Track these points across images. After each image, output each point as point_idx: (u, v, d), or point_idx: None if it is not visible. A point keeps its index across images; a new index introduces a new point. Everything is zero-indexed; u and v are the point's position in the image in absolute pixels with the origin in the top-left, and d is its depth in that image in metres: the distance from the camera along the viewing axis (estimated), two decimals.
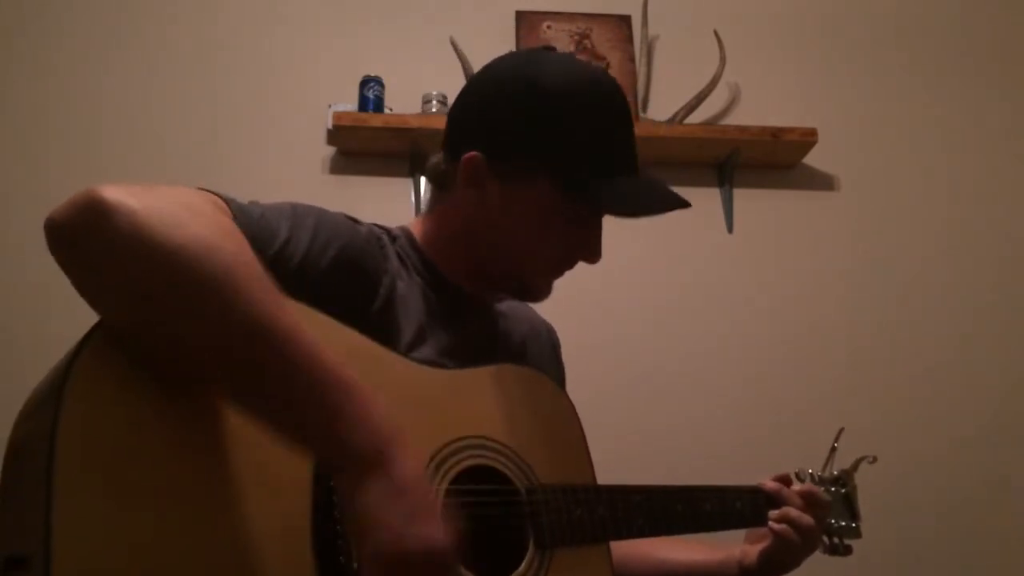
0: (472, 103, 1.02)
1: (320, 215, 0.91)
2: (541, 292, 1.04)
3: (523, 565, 0.90)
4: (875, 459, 1.28)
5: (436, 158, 1.05)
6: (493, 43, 2.10)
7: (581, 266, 1.03)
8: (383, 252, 0.97)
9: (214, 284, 0.67)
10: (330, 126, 1.96)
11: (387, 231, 1.03)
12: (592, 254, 1.02)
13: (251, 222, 0.81)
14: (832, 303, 2.02)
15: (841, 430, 1.28)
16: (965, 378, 1.98)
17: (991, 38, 2.24)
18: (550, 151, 0.95)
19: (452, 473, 0.87)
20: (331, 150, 2.02)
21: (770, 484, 1.17)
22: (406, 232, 1.05)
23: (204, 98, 2.03)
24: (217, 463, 0.71)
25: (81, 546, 0.62)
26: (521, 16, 2.13)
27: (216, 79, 2.05)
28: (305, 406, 0.70)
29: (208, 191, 0.79)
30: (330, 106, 1.98)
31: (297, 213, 0.89)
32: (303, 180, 1.99)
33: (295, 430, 0.72)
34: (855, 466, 1.28)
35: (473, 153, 0.97)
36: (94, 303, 0.69)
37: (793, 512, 1.13)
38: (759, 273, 2.03)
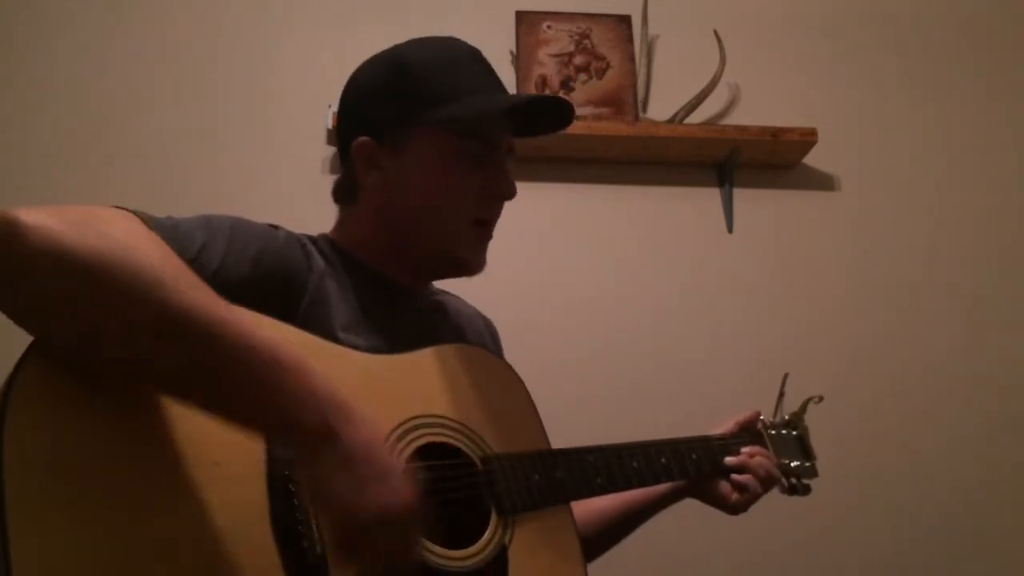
0: (345, 106, 1.09)
1: (236, 223, 0.91)
2: (475, 258, 1.06)
3: (486, 534, 0.91)
4: (821, 399, 1.34)
5: (336, 179, 1.10)
6: (493, 43, 2.10)
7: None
8: (305, 251, 0.97)
9: (138, 283, 0.67)
10: (330, 126, 1.96)
11: (310, 237, 1.04)
12: (504, 187, 1.04)
13: (165, 233, 0.81)
14: (832, 303, 2.02)
15: (786, 375, 1.33)
16: (966, 377, 1.98)
17: (991, 38, 2.24)
18: (419, 103, 1.00)
19: (406, 453, 0.88)
20: (331, 150, 2.02)
21: (730, 459, 1.20)
22: (324, 238, 1.07)
23: (204, 98, 2.03)
24: (168, 462, 0.72)
25: (40, 560, 0.62)
26: (521, 16, 2.12)
27: (216, 79, 2.05)
28: (247, 391, 0.70)
29: (119, 208, 0.79)
30: (330, 106, 1.97)
31: (211, 223, 0.89)
32: (303, 180, 1.98)
33: (241, 415, 0.72)
34: (803, 408, 1.34)
35: (359, 139, 1.02)
36: (22, 322, 0.69)
37: (760, 470, 1.18)
38: (759, 273, 2.03)
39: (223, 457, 0.74)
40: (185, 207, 0.96)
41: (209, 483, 0.72)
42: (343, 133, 1.08)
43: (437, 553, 0.85)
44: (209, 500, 0.72)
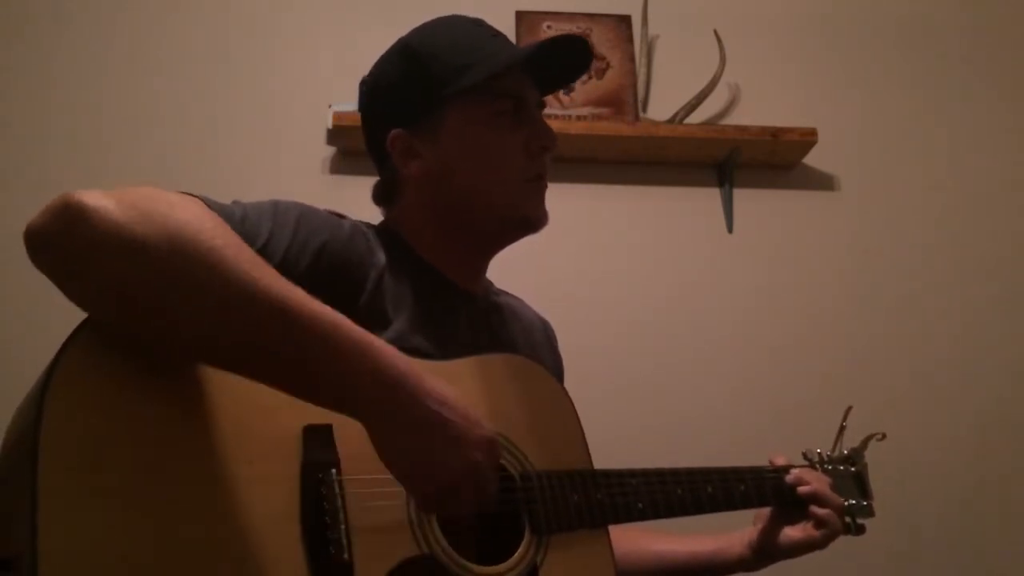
0: (368, 108, 1.08)
1: (302, 212, 0.91)
2: (538, 213, 1.06)
3: (518, 552, 0.90)
4: (884, 436, 1.27)
5: (375, 183, 1.10)
6: None
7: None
8: (369, 246, 0.97)
9: (203, 263, 0.67)
10: (330, 126, 1.96)
11: (372, 227, 1.04)
12: (545, 139, 1.04)
13: (231, 223, 0.81)
14: (832, 303, 2.02)
15: (849, 408, 1.28)
16: (966, 377, 1.98)
17: (991, 37, 2.24)
18: (440, 81, 1.01)
19: None
20: (331, 150, 2.02)
21: (794, 472, 1.16)
22: (386, 228, 1.06)
23: (204, 98, 2.03)
24: (205, 458, 0.72)
25: (68, 546, 0.62)
26: (521, 16, 2.12)
27: (216, 79, 2.05)
28: (312, 363, 0.71)
29: (187, 194, 0.79)
30: (330, 106, 1.98)
31: (278, 211, 0.89)
32: (303, 180, 1.98)
33: (305, 387, 0.73)
34: (864, 444, 1.28)
35: (391, 133, 1.02)
36: (82, 304, 0.70)
37: (832, 496, 1.13)
38: (759, 273, 2.03)
39: (258, 455, 0.74)
40: None
41: (242, 481, 0.73)
42: (372, 135, 1.08)
43: (468, 569, 0.84)
44: (240, 498, 0.72)
